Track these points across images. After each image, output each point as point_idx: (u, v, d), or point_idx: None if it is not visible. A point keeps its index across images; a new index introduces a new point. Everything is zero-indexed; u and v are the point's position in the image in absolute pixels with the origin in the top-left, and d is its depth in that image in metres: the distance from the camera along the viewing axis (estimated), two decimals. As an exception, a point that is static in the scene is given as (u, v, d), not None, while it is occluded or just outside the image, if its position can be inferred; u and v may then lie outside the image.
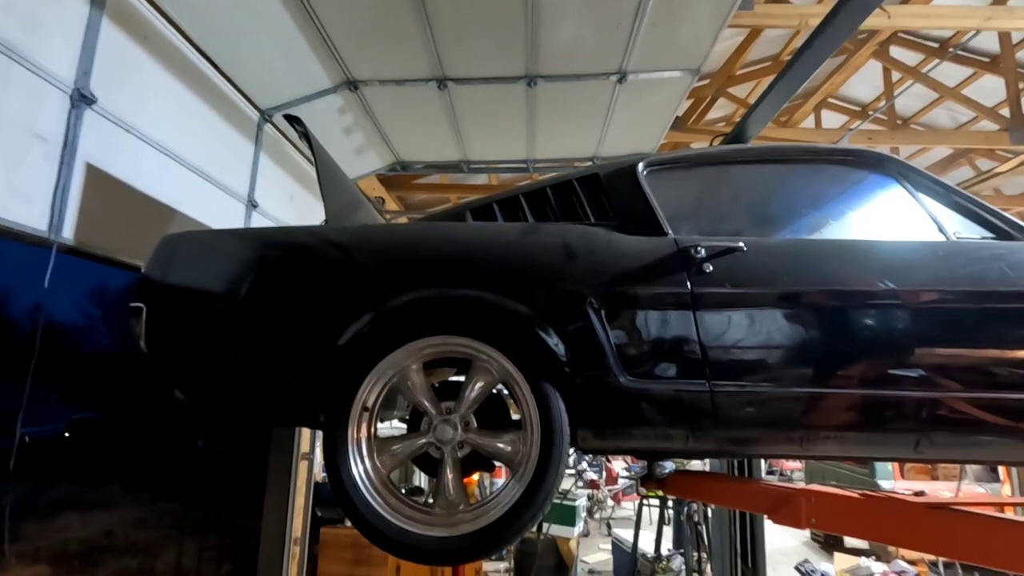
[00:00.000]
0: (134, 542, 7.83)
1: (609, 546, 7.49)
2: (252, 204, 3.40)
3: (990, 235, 1.81)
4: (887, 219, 1.91)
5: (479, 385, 1.73)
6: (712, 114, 7.22)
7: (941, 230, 1.81)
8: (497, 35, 3.00)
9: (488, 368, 1.71)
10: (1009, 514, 1.30)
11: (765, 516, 1.71)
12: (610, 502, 9.54)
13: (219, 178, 3.06)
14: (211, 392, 1.83)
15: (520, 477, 1.64)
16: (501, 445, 1.71)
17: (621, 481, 9.50)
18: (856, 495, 1.44)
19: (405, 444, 1.75)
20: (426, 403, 1.72)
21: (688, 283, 1.68)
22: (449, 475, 1.69)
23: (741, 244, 1.71)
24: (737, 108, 7.10)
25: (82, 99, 2.09)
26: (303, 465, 4.62)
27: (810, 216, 1.95)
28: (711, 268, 1.69)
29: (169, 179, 2.65)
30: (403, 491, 1.73)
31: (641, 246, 1.76)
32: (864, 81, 6.88)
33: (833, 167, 2.00)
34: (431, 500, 1.73)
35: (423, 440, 1.72)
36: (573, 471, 8.87)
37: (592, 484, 9.30)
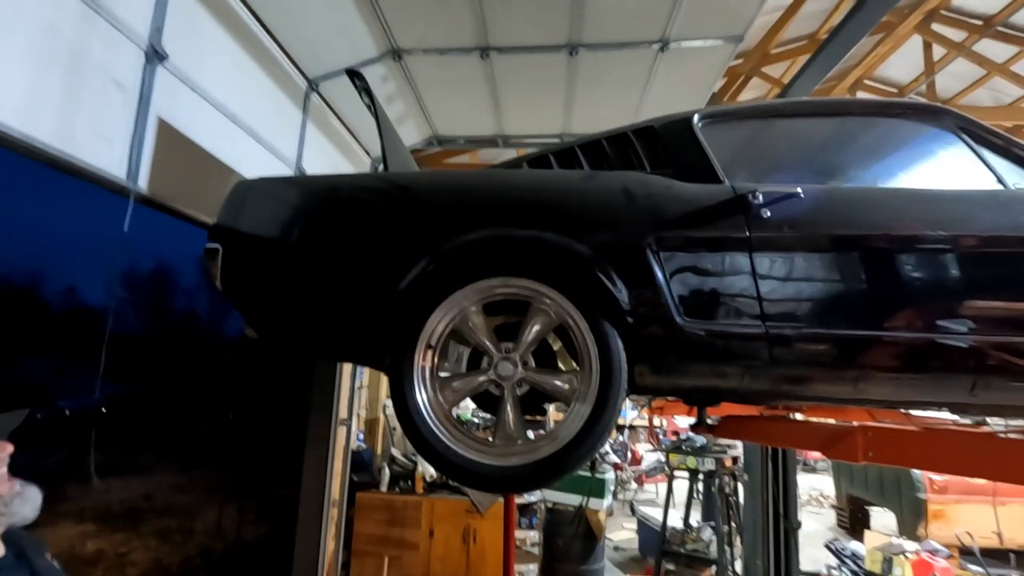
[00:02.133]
0: (174, 505, 8.16)
1: (634, 525, 7.57)
2: (300, 170, 3.50)
3: (1051, 186, 1.80)
4: (945, 170, 1.91)
5: (536, 327, 1.78)
6: (745, 95, 7.15)
7: (1000, 180, 1.81)
8: (543, -1, 3.03)
9: (546, 310, 1.77)
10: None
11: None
12: (633, 484, 9.60)
13: (271, 141, 3.15)
14: (280, 329, 1.93)
15: (577, 414, 1.70)
16: (559, 383, 1.78)
17: (645, 463, 9.55)
18: (915, 428, 1.47)
19: (466, 381, 1.83)
20: (487, 342, 1.78)
21: (746, 228, 1.71)
22: (509, 411, 1.75)
23: (799, 190, 1.74)
24: (771, 88, 7.00)
25: (155, 55, 2.19)
26: (341, 430, 4.77)
27: (866, 167, 1.96)
28: (768, 213, 1.72)
29: (227, 139, 2.75)
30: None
31: (699, 192, 1.79)
32: (903, 61, 6.73)
33: (890, 120, 2.00)
34: (491, 436, 1.80)
35: (483, 378, 1.78)
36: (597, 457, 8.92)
37: (616, 467, 9.35)
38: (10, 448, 1.47)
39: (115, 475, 9.29)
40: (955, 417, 2.06)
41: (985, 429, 1.38)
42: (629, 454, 9.98)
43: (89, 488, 7.82)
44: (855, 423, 1.60)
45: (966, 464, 1.36)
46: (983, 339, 1.59)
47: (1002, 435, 1.31)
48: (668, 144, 1.94)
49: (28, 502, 1.45)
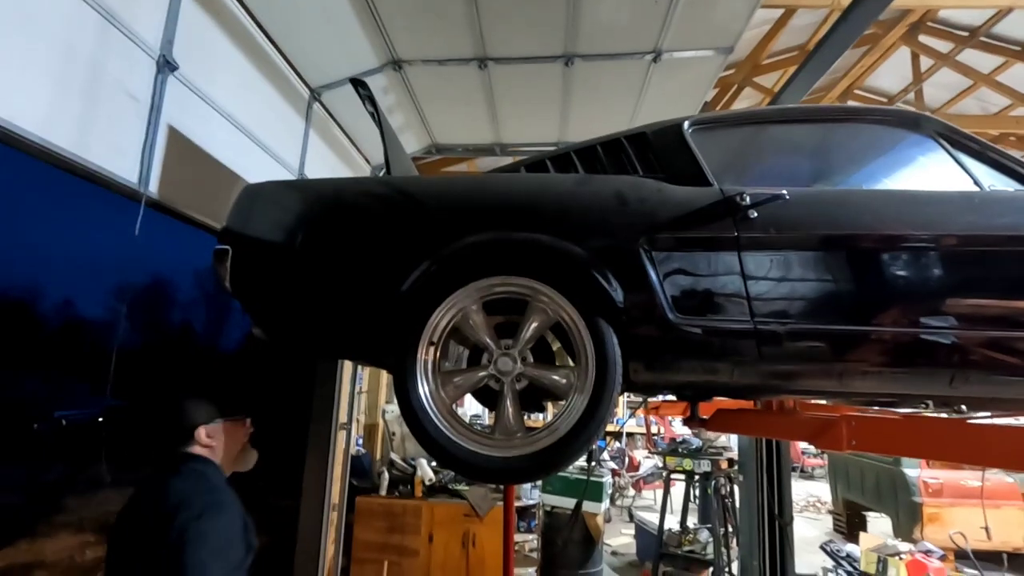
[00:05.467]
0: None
1: (631, 531, 7.60)
2: (303, 177, 3.58)
3: (1023, 187, 1.89)
4: (923, 174, 2.00)
5: (534, 324, 1.85)
6: (738, 104, 7.28)
7: (976, 183, 1.90)
8: (540, 11, 3.13)
9: (544, 308, 1.83)
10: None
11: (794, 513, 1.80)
12: (631, 490, 9.63)
13: (274, 149, 3.24)
14: (287, 330, 2.00)
15: (574, 408, 1.76)
16: (556, 377, 1.84)
17: (643, 469, 9.59)
18: (895, 417, 1.54)
19: (467, 376, 1.89)
20: (487, 339, 1.85)
21: (734, 228, 1.79)
22: (508, 405, 1.82)
23: (784, 192, 1.82)
24: (763, 98, 7.13)
25: (167, 65, 2.27)
26: (341, 435, 4.81)
27: (849, 171, 2.05)
28: (755, 214, 1.80)
29: (233, 147, 2.83)
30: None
31: (689, 195, 1.87)
32: (891, 72, 6.88)
33: (871, 126, 2.10)
34: (491, 429, 1.86)
35: (483, 373, 1.85)
36: (594, 461, 9.00)
37: (614, 473, 9.38)
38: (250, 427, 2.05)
39: (113, 486, 9.27)
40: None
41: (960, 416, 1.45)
42: (627, 460, 10.02)
43: (87, 498, 7.81)
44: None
45: (942, 448, 1.43)
46: (960, 334, 1.66)
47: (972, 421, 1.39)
48: (659, 149, 2.03)
49: (253, 457, 2.03)
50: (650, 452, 9.57)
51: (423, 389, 1.78)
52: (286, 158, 3.39)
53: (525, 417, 2.40)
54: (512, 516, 3.61)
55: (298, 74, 3.50)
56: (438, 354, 1.86)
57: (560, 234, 1.80)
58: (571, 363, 1.92)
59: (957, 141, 1.99)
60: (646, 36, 3.42)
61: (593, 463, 7.08)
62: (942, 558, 4.80)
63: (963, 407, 1.83)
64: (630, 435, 11.56)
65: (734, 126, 2.13)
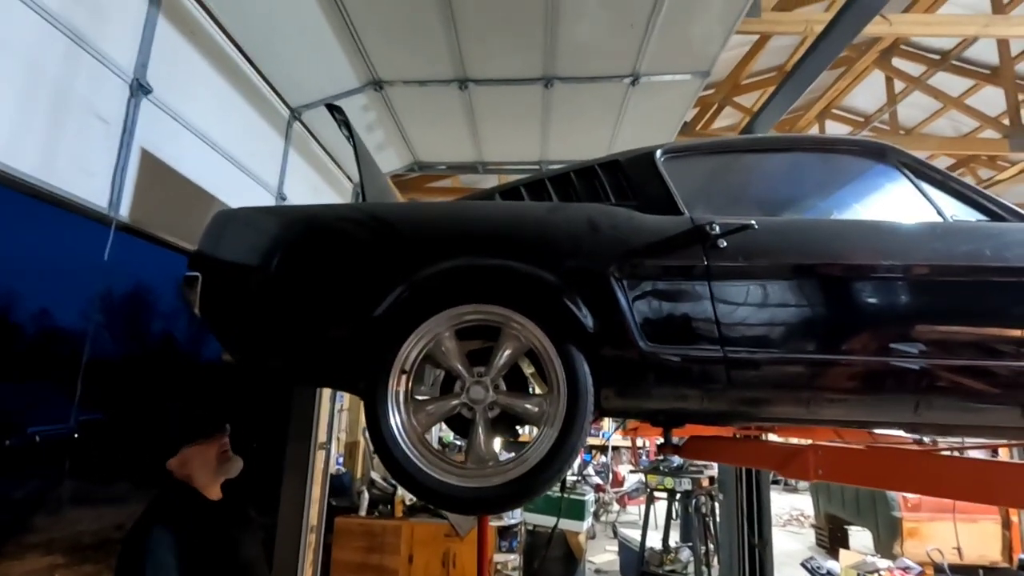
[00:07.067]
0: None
1: (615, 547, 7.56)
2: (281, 197, 3.56)
3: (984, 218, 1.94)
4: (888, 203, 2.04)
5: (507, 352, 1.85)
6: (719, 123, 7.41)
7: (939, 213, 1.94)
8: (518, 35, 3.16)
9: (516, 335, 1.84)
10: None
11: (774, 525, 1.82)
12: (616, 505, 9.60)
13: (253, 170, 3.22)
14: (258, 355, 1.97)
15: (546, 436, 1.76)
16: (529, 406, 1.84)
17: (627, 484, 9.57)
18: (861, 447, 1.56)
19: (439, 404, 1.88)
20: (459, 367, 1.84)
21: (704, 257, 1.81)
22: (480, 434, 1.81)
23: (753, 222, 1.85)
24: (743, 117, 7.26)
25: (140, 88, 2.25)
26: (319, 455, 4.74)
27: (816, 200, 2.09)
28: (725, 244, 1.82)
29: (210, 168, 2.81)
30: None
31: (660, 223, 1.89)
32: (867, 93, 7.06)
33: (838, 156, 2.14)
34: (463, 458, 1.85)
35: (456, 401, 1.84)
36: (578, 476, 8.96)
37: (598, 488, 9.35)
38: (228, 430, 2.22)
39: (87, 504, 9.03)
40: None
41: (925, 447, 1.47)
42: (611, 476, 9.99)
43: (58, 518, 7.61)
44: (808, 442, 1.69)
45: (908, 480, 1.45)
46: (923, 361, 1.69)
47: (942, 453, 1.41)
48: (632, 177, 2.05)
49: (237, 465, 2.18)
50: (634, 467, 9.56)
51: (394, 419, 1.76)
52: (265, 178, 3.37)
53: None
54: (487, 536, 3.57)
55: (277, 94, 3.50)
56: (410, 382, 1.85)
57: (532, 261, 1.80)
58: (545, 389, 1.91)
59: (921, 171, 2.04)
60: (624, 60, 3.47)
61: (577, 477, 7.06)
62: (920, 574, 4.84)
63: (923, 439, 1.86)
64: (615, 449, 11.56)
65: (706, 155, 2.16)
